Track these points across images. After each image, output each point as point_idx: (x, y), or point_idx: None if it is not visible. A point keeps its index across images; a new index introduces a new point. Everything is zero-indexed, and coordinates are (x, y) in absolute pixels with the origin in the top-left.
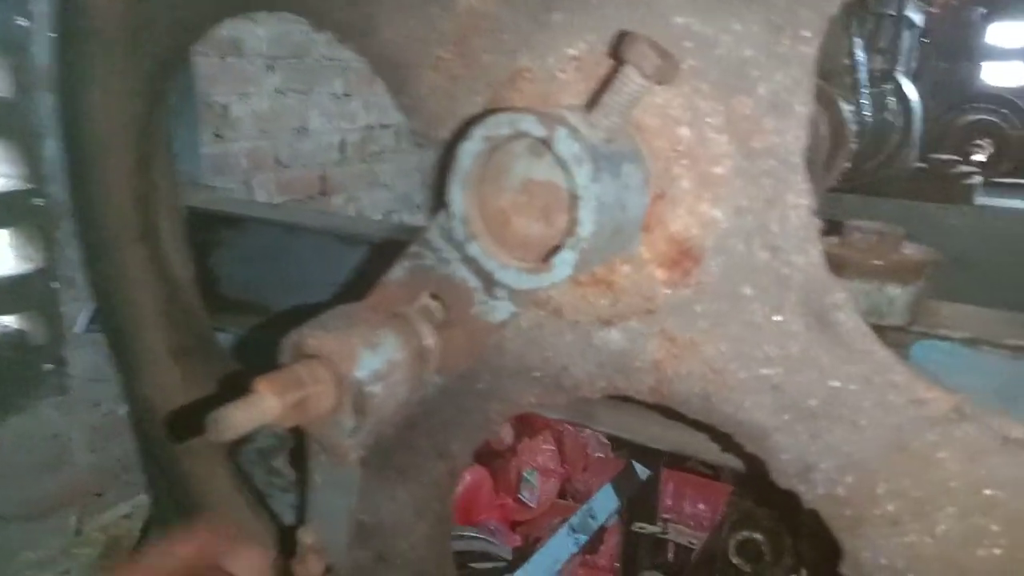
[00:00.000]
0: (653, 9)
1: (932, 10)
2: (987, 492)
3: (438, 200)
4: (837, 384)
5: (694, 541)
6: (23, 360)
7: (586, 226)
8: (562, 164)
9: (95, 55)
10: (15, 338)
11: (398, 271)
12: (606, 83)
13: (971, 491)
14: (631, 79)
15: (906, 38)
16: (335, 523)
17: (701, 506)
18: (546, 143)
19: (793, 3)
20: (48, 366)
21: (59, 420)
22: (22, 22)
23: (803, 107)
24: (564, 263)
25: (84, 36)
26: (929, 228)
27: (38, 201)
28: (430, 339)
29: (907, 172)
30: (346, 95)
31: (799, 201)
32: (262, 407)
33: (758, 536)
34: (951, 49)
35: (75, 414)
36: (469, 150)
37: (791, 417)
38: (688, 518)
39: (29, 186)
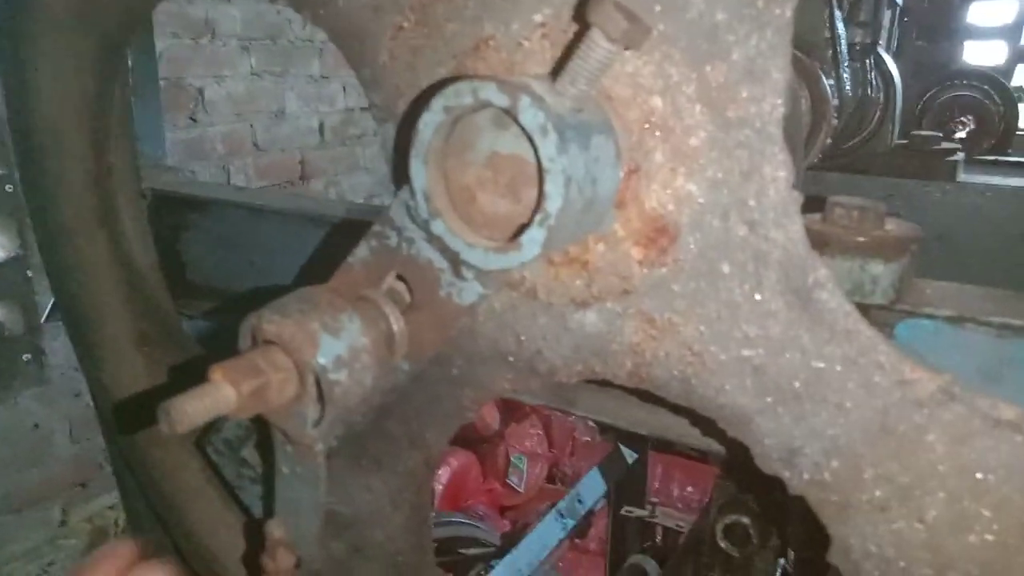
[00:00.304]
0: None
1: None
2: (977, 476)
3: (400, 176)
4: (821, 365)
5: (682, 524)
6: (0, 351)
7: (554, 201)
8: (527, 135)
9: (42, 33)
10: None
11: (361, 251)
12: (572, 49)
13: (961, 475)
14: (598, 44)
15: (887, 18)
16: (303, 515)
17: (689, 488)
18: (510, 113)
19: None
20: (26, 356)
21: (40, 411)
22: None
23: (780, 73)
24: (532, 241)
25: (30, 13)
26: (911, 205)
27: (8, 187)
28: (396, 323)
29: (889, 149)
30: (324, 77)
31: (777, 173)
32: (217, 396)
33: (745, 520)
34: (932, 28)
35: (56, 405)
36: (429, 121)
37: (774, 400)
38: (676, 501)
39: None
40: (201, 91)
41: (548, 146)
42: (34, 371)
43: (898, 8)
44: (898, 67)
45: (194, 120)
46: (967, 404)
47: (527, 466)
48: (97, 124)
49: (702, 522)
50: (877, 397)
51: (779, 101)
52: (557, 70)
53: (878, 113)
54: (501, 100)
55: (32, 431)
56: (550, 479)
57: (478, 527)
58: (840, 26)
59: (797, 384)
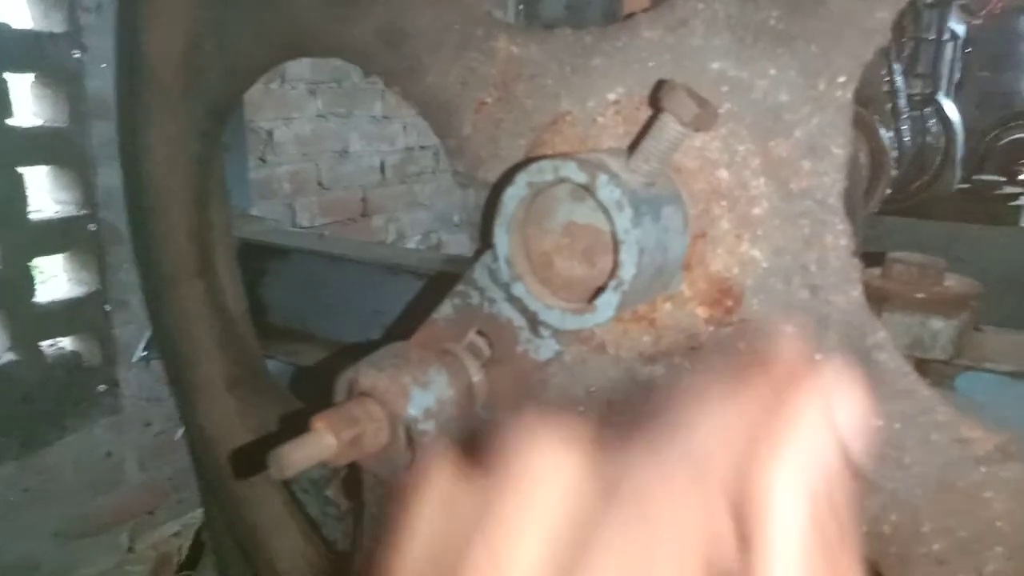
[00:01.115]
0: (690, 55)
1: (974, 21)
2: None
3: (483, 241)
4: (880, 423)
5: None
6: (78, 381)
7: (628, 269)
8: (604, 209)
9: (153, 100)
10: (70, 360)
11: (446, 309)
12: (646, 129)
13: (1019, 531)
14: (670, 126)
15: (949, 50)
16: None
17: None
18: (588, 189)
19: (828, 49)
20: (102, 387)
21: (112, 440)
22: (77, 54)
23: (840, 150)
24: (607, 305)
25: (143, 81)
26: (974, 250)
27: (91, 226)
28: (477, 376)
29: (951, 193)
30: (385, 117)
31: (838, 242)
32: (320, 445)
33: None
34: (996, 59)
35: (127, 434)
36: (513, 195)
37: None
38: None
39: (83, 212)
40: (270, 133)
41: (623, 220)
42: (109, 401)
43: (960, 40)
44: (962, 98)
45: (263, 160)
46: None
47: None
48: (200, 183)
49: None
50: (936, 454)
51: (840, 176)
52: (632, 147)
53: (939, 159)
54: (580, 177)
55: (104, 459)
56: None
57: None
58: (899, 79)
59: None
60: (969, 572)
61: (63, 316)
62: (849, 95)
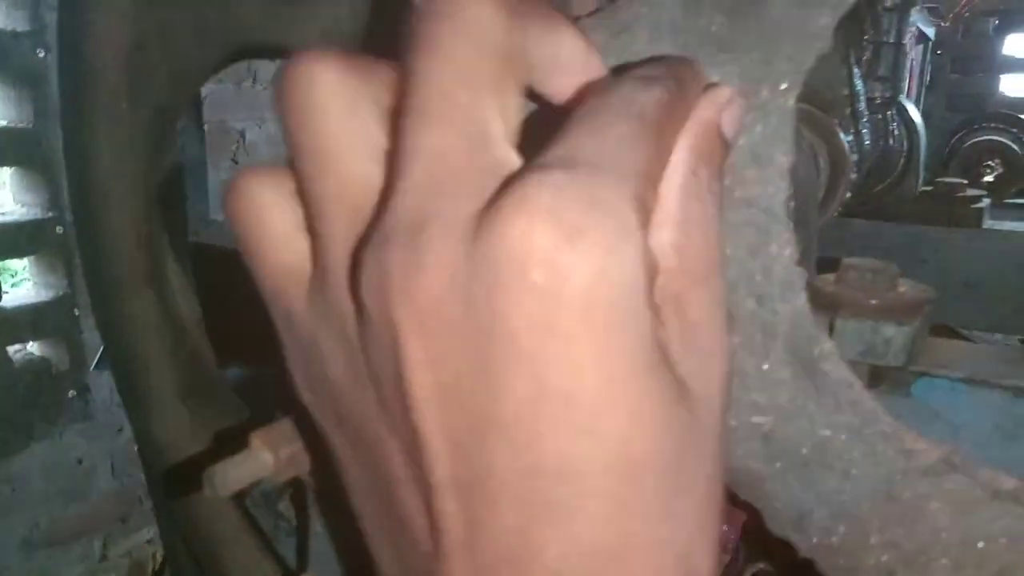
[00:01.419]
0: (634, 60)
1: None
2: (979, 545)
3: None
4: (827, 433)
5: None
6: (46, 387)
7: None
8: None
9: (98, 102)
10: (38, 365)
11: None
12: None
13: (963, 543)
14: None
15: (918, 52)
16: (336, 570)
17: (724, 528)
18: None
19: (770, 56)
20: (71, 393)
21: (83, 446)
22: (41, 54)
23: (784, 157)
24: None
25: (86, 84)
26: (937, 252)
27: (59, 229)
28: None
29: (913, 196)
30: None
31: (783, 252)
32: (257, 463)
33: (771, 568)
34: (966, 61)
35: (99, 440)
36: None
37: (783, 465)
38: None
39: (50, 214)
40: (243, 133)
41: None
42: (79, 407)
43: (930, 42)
44: (932, 101)
45: (235, 161)
46: (968, 474)
47: None
48: (149, 188)
49: (731, 567)
50: (882, 465)
51: (784, 184)
52: None
53: (901, 162)
54: None
55: (75, 466)
56: None
57: None
58: (859, 82)
59: (805, 451)
60: None
61: (31, 321)
62: (791, 102)
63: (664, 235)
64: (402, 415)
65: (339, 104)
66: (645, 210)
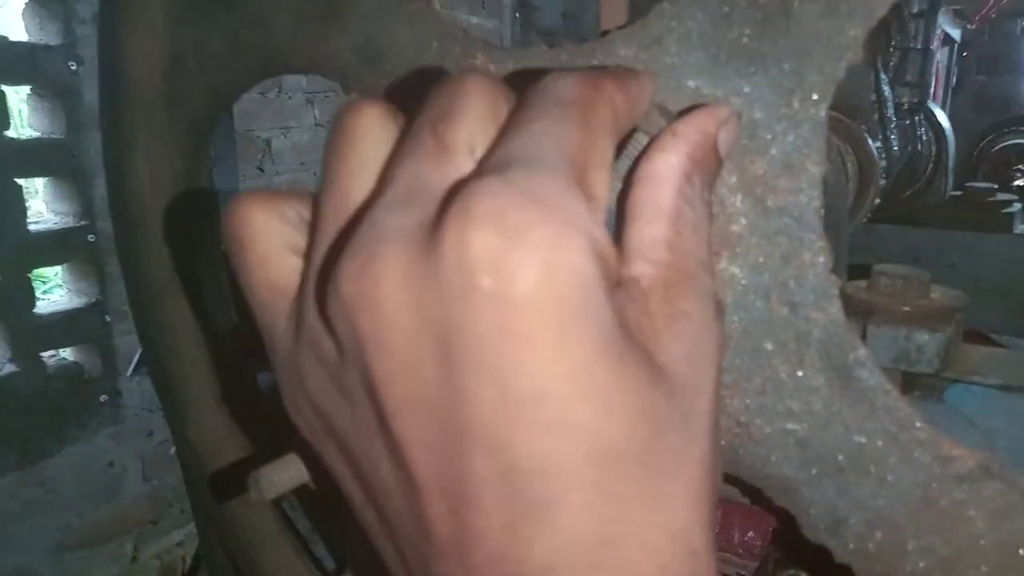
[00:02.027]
0: (664, 72)
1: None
2: (1020, 552)
3: None
4: (863, 440)
5: (743, 572)
6: (79, 392)
7: None
8: None
9: (136, 116)
10: (71, 370)
11: None
12: (620, 148)
13: (1002, 550)
14: (642, 144)
15: (944, 55)
16: (376, 570)
17: (751, 534)
18: None
19: (800, 67)
20: (103, 397)
21: (114, 450)
22: (73, 66)
23: (816, 167)
24: None
25: (125, 97)
26: (966, 258)
27: (90, 237)
28: None
29: (943, 201)
30: None
31: (816, 259)
32: (301, 467)
33: (803, 574)
34: (992, 62)
35: (129, 444)
36: None
37: (818, 472)
38: (736, 547)
39: (82, 223)
40: (268, 142)
41: None
42: (110, 411)
43: (956, 44)
44: (958, 103)
45: (261, 170)
46: (1006, 481)
47: None
48: (185, 199)
49: (761, 573)
50: (918, 472)
51: (816, 193)
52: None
53: (930, 167)
54: None
55: (107, 469)
56: None
57: None
58: (886, 88)
59: (840, 457)
60: None
61: (63, 327)
62: (823, 113)
63: (658, 230)
64: (380, 427)
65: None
66: (587, 196)
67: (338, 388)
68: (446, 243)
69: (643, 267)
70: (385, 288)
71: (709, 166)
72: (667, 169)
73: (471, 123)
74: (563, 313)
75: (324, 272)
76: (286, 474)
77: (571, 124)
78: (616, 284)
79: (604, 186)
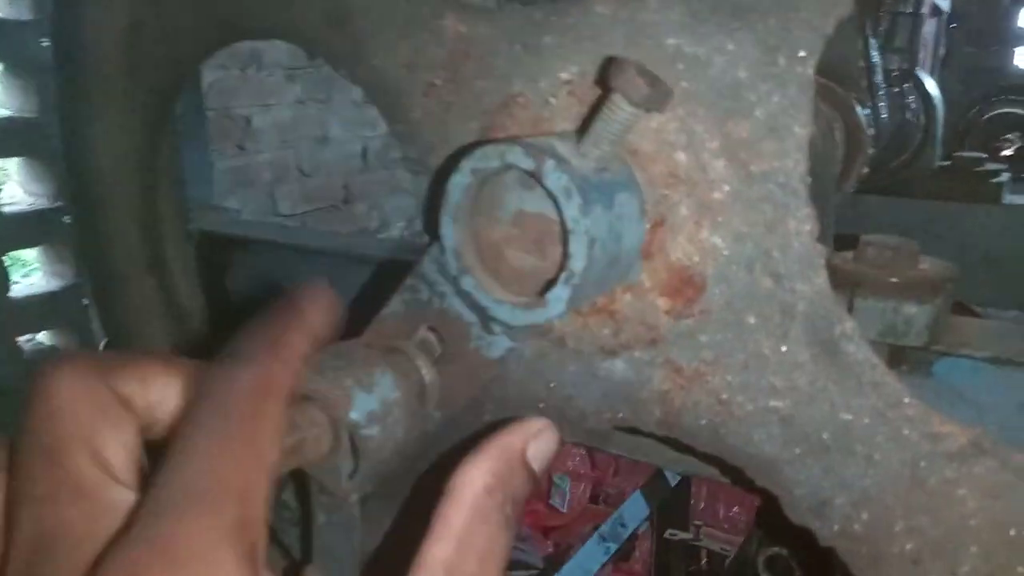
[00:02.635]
0: (644, 31)
1: None
2: (1011, 532)
3: (431, 231)
4: (849, 417)
5: (727, 547)
6: None
7: (578, 260)
8: (551, 196)
9: (94, 87)
10: (49, 355)
11: (395, 305)
12: (595, 110)
13: (994, 530)
14: (620, 107)
15: (933, 25)
16: (341, 562)
17: (735, 509)
18: (535, 175)
19: (787, 23)
20: None
21: None
22: (45, 43)
23: (802, 129)
24: (558, 299)
25: (82, 67)
26: (955, 228)
27: (66, 219)
28: (428, 375)
29: (931, 171)
30: (366, 103)
31: (802, 227)
32: None
33: (786, 552)
34: (982, 34)
35: None
36: (458, 183)
37: (802, 451)
38: (722, 522)
39: (57, 204)
40: (248, 120)
41: (572, 208)
42: None
43: (945, 15)
44: (947, 75)
45: (242, 148)
46: (999, 458)
47: (570, 486)
48: (148, 175)
49: (745, 551)
50: (906, 450)
51: (802, 156)
52: (582, 129)
53: (919, 136)
54: (527, 163)
55: None
56: (593, 499)
57: (521, 549)
58: (875, 54)
59: (825, 435)
60: (943, 572)
61: (41, 310)
62: (810, 71)
63: (439, 550)
64: None
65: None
66: (243, 543)
67: None
68: None
69: None
70: None
71: (515, 481)
72: (463, 486)
73: (110, 433)
74: None
75: None
76: None
77: (231, 448)
78: None
79: (264, 511)
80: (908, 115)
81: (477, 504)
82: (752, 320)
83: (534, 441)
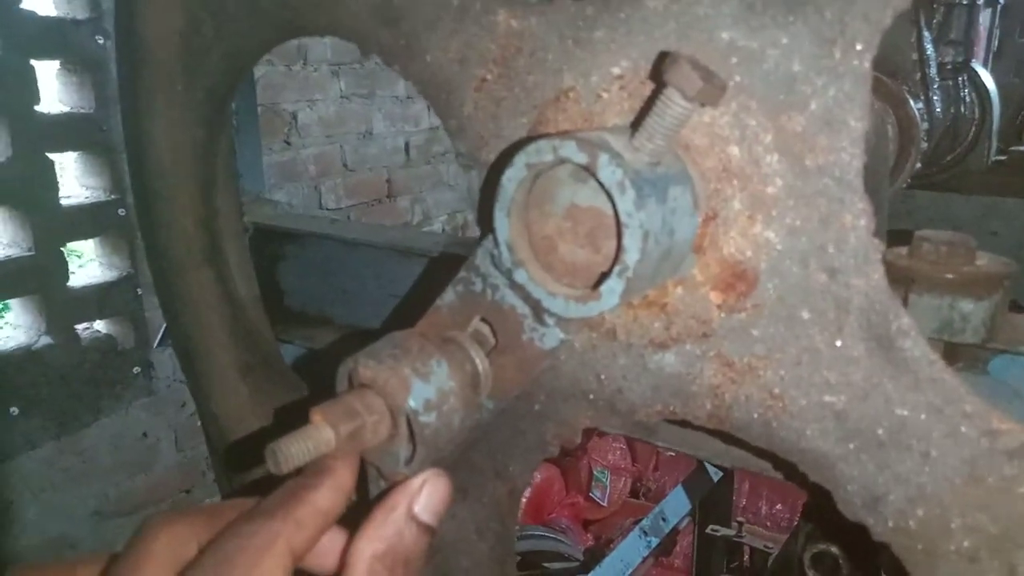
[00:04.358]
0: (696, 24)
1: None
2: None
3: (484, 225)
4: (905, 413)
5: (770, 545)
6: (113, 364)
7: (632, 254)
8: (605, 191)
9: (154, 84)
10: (104, 343)
11: (449, 296)
12: (649, 105)
13: None
14: (674, 102)
15: (987, 16)
16: None
17: (778, 507)
18: (588, 169)
19: (843, 15)
20: (136, 369)
21: (148, 421)
22: (100, 40)
23: (858, 123)
24: (611, 292)
25: (143, 66)
26: (1010, 224)
27: (121, 211)
28: (481, 365)
29: (986, 166)
30: (409, 98)
31: (857, 222)
32: (318, 438)
33: (834, 549)
34: None
35: (162, 415)
36: (512, 177)
37: (856, 446)
38: (764, 519)
39: (112, 196)
40: (294, 115)
41: (626, 202)
42: (143, 383)
43: (999, 6)
44: (1000, 68)
45: (288, 143)
46: None
47: (610, 480)
48: (205, 170)
49: (790, 547)
50: (964, 447)
51: (858, 151)
52: (636, 124)
53: (973, 130)
54: (580, 157)
55: (141, 439)
56: (634, 493)
57: (561, 541)
58: (929, 47)
59: (880, 431)
60: (1001, 570)
61: (97, 300)
62: (867, 64)
63: None
64: None
65: None
66: None
67: None
68: None
69: None
70: None
71: (405, 542)
72: (355, 561)
73: None
74: None
75: None
76: (303, 446)
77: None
78: None
79: None
80: (962, 108)
81: (371, 571)
82: (806, 315)
83: (419, 496)
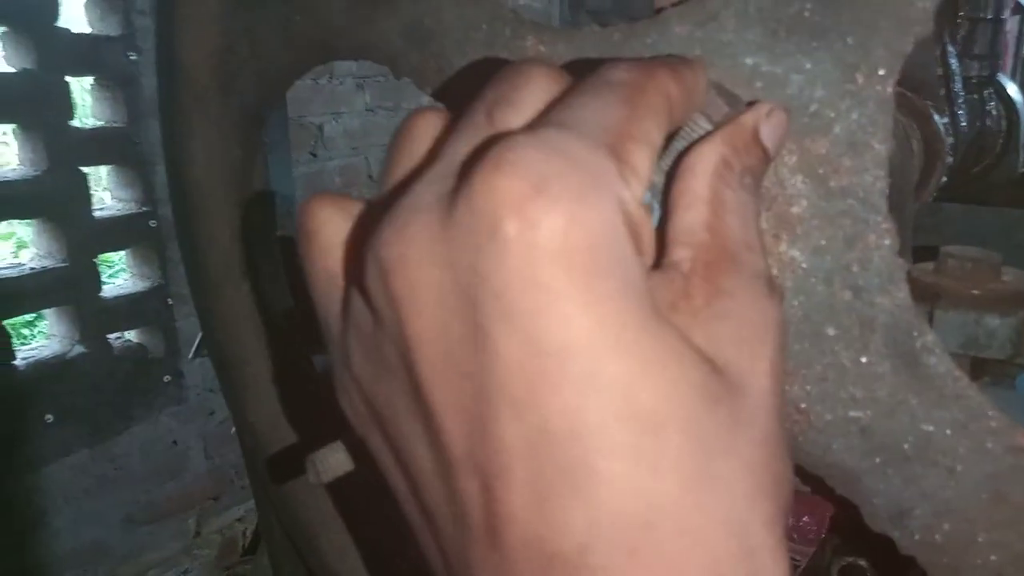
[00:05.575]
0: (721, 50)
1: None
2: None
3: None
4: (930, 428)
5: (798, 557)
6: (144, 372)
7: None
8: None
9: (191, 104)
10: (136, 352)
11: None
12: (676, 129)
13: None
14: (699, 126)
15: (1014, 23)
16: None
17: (805, 519)
18: None
19: (865, 41)
20: (167, 378)
21: (178, 429)
22: (133, 56)
23: (881, 145)
24: None
25: (180, 86)
26: None
27: (152, 223)
28: None
29: (1013, 179)
30: None
31: (882, 242)
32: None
33: (863, 563)
34: None
35: (192, 423)
36: None
37: (882, 461)
38: (791, 532)
39: (144, 208)
40: (320, 128)
41: (652, 224)
42: (173, 391)
43: None
44: None
45: (314, 155)
46: None
47: None
48: (242, 187)
49: (817, 560)
50: (989, 463)
51: (882, 172)
52: (662, 147)
53: (1000, 143)
54: None
55: (170, 447)
56: None
57: None
58: (953, 62)
59: (906, 446)
60: None
61: (128, 310)
62: (890, 89)
63: (695, 215)
64: (415, 397)
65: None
66: (620, 163)
67: (377, 363)
68: (470, 192)
69: (682, 252)
70: (417, 247)
71: (750, 154)
72: (700, 159)
73: (527, 110)
74: (589, 264)
75: (362, 251)
76: (344, 456)
77: (616, 101)
78: (655, 268)
79: (644, 161)
80: (989, 122)
81: (718, 173)
82: (831, 332)
83: (765, 122)
